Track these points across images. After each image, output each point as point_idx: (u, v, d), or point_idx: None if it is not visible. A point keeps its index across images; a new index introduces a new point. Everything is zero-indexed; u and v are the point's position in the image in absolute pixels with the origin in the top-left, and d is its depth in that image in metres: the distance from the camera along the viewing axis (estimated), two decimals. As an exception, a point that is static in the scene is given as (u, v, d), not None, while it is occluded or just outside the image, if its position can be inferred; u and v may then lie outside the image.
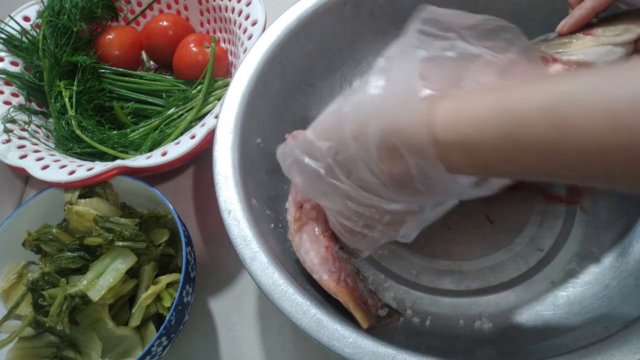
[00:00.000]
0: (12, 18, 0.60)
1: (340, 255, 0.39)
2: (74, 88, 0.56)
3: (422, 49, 0.31)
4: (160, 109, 0.58)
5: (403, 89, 0.29)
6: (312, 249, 0.38)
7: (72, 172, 0.48)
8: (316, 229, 0.39)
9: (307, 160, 0.33)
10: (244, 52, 0.52)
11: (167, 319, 0.41)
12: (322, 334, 0.33)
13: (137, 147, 0.55)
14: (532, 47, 0.33)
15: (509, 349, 0.39)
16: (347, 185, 0.32)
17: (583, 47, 0.38)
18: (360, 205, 0.32)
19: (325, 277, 0.37)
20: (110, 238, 0.44)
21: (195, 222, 0.56)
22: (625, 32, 0.37)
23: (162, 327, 0.41)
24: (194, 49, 0.59)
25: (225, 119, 0.43)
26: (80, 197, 0.49)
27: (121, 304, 0.46)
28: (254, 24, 0.54)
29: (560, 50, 0.39)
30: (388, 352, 0.32)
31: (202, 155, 0.60)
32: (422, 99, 0.28)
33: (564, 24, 0.40)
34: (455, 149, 0.26)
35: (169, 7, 0.67)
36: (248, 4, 0.56)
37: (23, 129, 0.55)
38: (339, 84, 0.53)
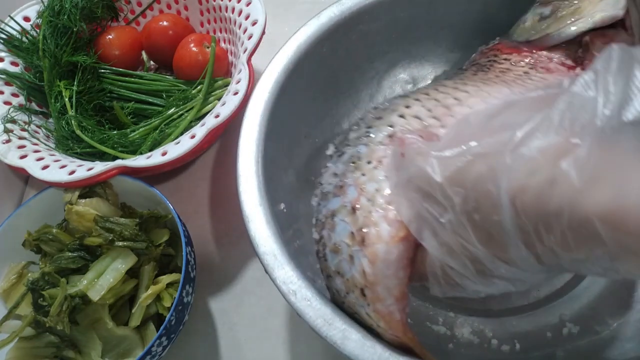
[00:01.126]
0: (12, 18, 0.60)
1: None
2: (74, 88, 0.56)
3: None
4: (160, 109, 0.58)
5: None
6: (396, 276, 0.30)
7: (72, 172, 0.48)
8: (410, 252, 0.31)
9: (424, 204, 0.26)
10: (244, 52, 0.52)
11: (167, 319, 0.41)
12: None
13: (137, 147, 0.55)
14: None
15: (605, 347, 0.38)
16: (480, 252, 0.24)
17: (591, 5, 0.35)
18: (492, 276, 0.25)
19: (397, 317, 0.31)
20: (110, 238, 0.44)
21: (195, 222, 0.56)
22: None
23: (162, 327, 0.41)
24: (194, 49, 0.59)
25: (248, 195, 0.39)
26: (80, 197, 0.49)
27: (121, 304, 0.46)
28: (254, 23, 0.54)
29: (574, 18, 0.36)
30: None
31: (202, 155, 0.60)
32: None
33: None
34: None
35: (169, 7, 0.67)
36: (248, 4, 0.56)
37: (23, 129, 0.55)
38: (330, 129, 0.52)
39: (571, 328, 0.40)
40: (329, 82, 0.51)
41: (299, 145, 0.48)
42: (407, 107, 0.37)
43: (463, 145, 0.25)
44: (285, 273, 0.34)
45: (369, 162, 0.35)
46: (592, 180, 0.20)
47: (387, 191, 0.32)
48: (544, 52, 0.39)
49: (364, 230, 0.31)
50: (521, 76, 0.38)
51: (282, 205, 0.42)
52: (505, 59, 0.40)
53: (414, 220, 0.28)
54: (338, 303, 0.34)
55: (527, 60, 0.39)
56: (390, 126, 0.36)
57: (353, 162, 0.36)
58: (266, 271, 0.35)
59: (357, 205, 0.33)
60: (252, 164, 0.40)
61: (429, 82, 0.55)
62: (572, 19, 0.37)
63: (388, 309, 0.31)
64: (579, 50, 0.39)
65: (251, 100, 0.44)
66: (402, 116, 0.36)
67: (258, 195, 0.39)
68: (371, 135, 0.37)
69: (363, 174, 0.34)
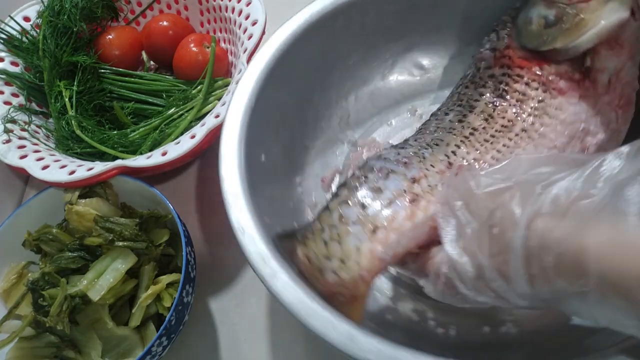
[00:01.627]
0: (12, 18, 0.60)
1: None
2: (74, 88, 0.56)
3: None
4: (160, 109, 0.58)
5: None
6: (410, 241, 0.34)
7: (72, 172, 0.48)
8: (428, 240, 0.34)
9: (458, 208, 0.31)
10: (244, 52, 0.52)
11: (167, 319, 0.41)
12: (355, 348, 0.31)
13: (137, 147, 0.55)
14: None
15: (538, 353, 0.39)
16: (485, 261, 0.28)
17: (594, 15, 0.35)
18: (486, 287, 0.29)
19: (379, 266, 0.33)
20: (110, 238, 0.44)
21: (195, 222, 0.56)
22: None
23: (162, 327, 0.41)
24: (194, 49, 0.59)
25: (228, 137, 0.42)
26: (80, 197, 0.49)
27: (121, 304, 0.46)
28: (254, 23, 0.54)
29: (579, 33, 0.36)
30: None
31: (203, 155, 0.60)
32: None
33: None
34: None
35: (169, 7, 0.67)
36: (248, 4, 0.56)
37: (23, 129, 0.55)
38: (335, 100, 0.53)
39: (510, 328, 0.41)
40: (339, 56, 0.51)
41: (299, 108, 0.50)
42: (457, 146, 0.39)
43: (508, 173, 0.30)
44: (241, 213, 0.38)
45: (432, 166, 0.38)
46: (596, 221, 0.24)
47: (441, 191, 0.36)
48: (553, 68, 0.40)
49: (415, 198, 0.35)
50: (539, 112, 0.39)
51: (263, 157, 0.44)
52: (518, 76, 0.41)
53: (445, 221, 0.32)
54: (319, 223, 0.36)
55: (539, 81, 0.40)
56: (447, 155, 0.39)
57: (418, 157, 0.39)
58: (226, 209, 0.38)
59: (418, 181, 0.36)
60: (240, 114, 0.43)
61: (441, 70, 0.55)
62: (578, 34, 0.37)
63: (381, 255, 0.33)
64: (585, 61, 0.39)
65: (257, 55, 0.46)
66: (454, 153, 0.39)
67: (237, 142, 0.42)
68: (434, 150, 0.40)
69: (427, 169, 0.37)
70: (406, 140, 0.43)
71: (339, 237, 0.34)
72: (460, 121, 0.41)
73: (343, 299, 0.34)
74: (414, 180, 0.36)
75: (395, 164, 0.38)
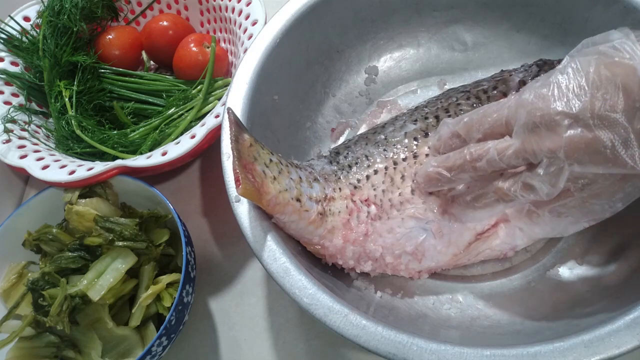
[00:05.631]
0: (12, 18, 0.60)
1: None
2: (74, 88, 0.56)
3: None
4: (160, 108, 0.58)
5: None
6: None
7: (72, 172, 0.48)
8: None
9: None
10: (244, 52, 0.52)
11: (167, 319, 0.41)
12: (286, 281, 0.35)
13: (137, 147, 0.55)
14: None
15: (471, 335, 0.39)
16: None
17: None
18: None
19: (277, 205, 0.37)
20: (110, 238, 0.45)
21: (195, 222, 0.56)
22: None
23: (162, 327, 0.41)
24: (194, 49, 0.59)
25: (242, 71, 0.44)
26: (80, 197, 0.49)
27: (121, 304, 0.46)
28: (254, 23, 0.54)
29: None
30: (341, 309, 0.34)
31: (203, 155, 0.60)
32: None
33: None
34: None
35: (169, 7, 0.67)
36: (248, 4, 0.56)
37: (23, 129, 0.55)
38: (368, 55, 0.54)
39: (453, 308, 0.42)
40: (383, 14, 0.52)
41: (328, 57, 0.52)
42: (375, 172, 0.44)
43: None
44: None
45: (340, 189, 0.43)
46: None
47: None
48: None
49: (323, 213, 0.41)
50: None
51: (276, 96, 0.47)
52: None
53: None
54: (277, 156, 0.39)
55: None
56: (359, 180, 0.44)
57: (335, 176, 0.44)
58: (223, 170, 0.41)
59: (329, 200, 0.42)
60: (259, 52, 0.46)
61: (482, 51, 0.54)
62: None
63: (276, 206, 0.37)
64: None
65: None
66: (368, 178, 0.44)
67: (250, 76, 0.45)
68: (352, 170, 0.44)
69: (336, 191, 0.43)
70: (351, 143, 0.46)
71: (279, 171, 0.38)
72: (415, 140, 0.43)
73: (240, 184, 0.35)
74: (326, 198, 0.41)
75: (319, 175, 0.42)
